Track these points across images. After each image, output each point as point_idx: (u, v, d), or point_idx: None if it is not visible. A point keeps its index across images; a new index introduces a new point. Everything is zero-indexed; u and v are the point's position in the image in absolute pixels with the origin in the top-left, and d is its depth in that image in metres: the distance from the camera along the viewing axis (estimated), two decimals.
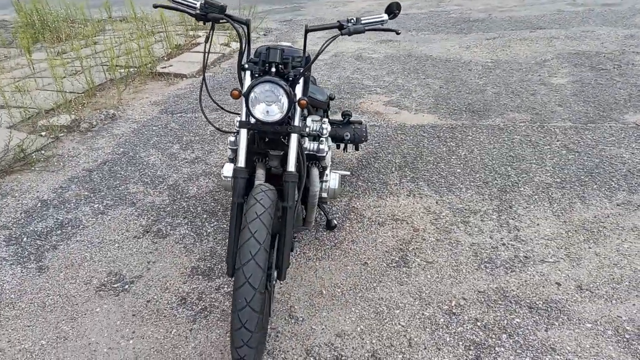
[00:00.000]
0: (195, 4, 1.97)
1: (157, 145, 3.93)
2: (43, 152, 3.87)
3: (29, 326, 2.17)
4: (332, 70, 5.63)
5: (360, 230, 2.71)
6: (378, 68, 5.65)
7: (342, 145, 3.26)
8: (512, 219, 2.74)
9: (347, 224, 2.77)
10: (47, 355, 2.01)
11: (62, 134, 4.21)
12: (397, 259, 2.48)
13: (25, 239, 2.79)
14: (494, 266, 2.39)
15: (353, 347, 1.98)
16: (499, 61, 5.58)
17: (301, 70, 1.94)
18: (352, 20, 1.94)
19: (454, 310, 2.14)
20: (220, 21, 1.95)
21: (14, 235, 2.82)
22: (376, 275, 2.37)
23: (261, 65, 1.92)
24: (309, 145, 2.24)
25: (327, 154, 2.28)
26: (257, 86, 1.80)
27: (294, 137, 1.93)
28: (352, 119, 3.25)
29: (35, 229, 2.88)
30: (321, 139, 2.30)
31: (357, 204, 2.97)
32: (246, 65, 1.95)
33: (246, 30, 2.01)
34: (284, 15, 9.39)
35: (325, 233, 2.70)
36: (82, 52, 6.44)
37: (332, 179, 2.45)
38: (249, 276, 1.57)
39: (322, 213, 2.77)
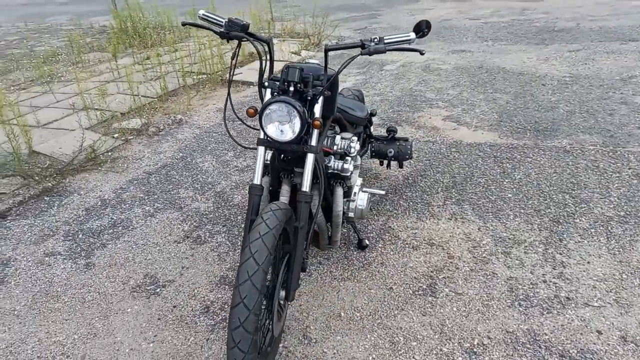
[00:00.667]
0: (221, 22, 2.02)
1: (213, 151, 4.08)
2: (111, 153, 4.17)
3: (66, 320, 2.33)
4: (397, 82, 5.54)
5: (391, 253, 2.63)
6: (444, 80, 5.47)
7: (385, 162, 3.20)
8: (560, 253, 2.53)
9: (380, 245, 2.70)
10: (76, 349, 2.16)
11: (131, 137, 4.50)
12: (424, 286, 2.38)
13: (80, 235, 3.01)
14: (529, 305, 2.22)
15: None
16: (578, 76, 5.18)
17: (320, 90, 1.92)
18: (375, 39, 1.89)
19: (475, 350, 2.02)
20: (243, 40, 1.98)
21: (72, 232, 3.06)
22: (399, 302, 2.29)
23: (281, 84, 1.92)
24: (334, 163, 2.22)
25: (352, 173, 2.24)
26: (270, 105, 1.82)
27: (309, 157, 1.92)
28: (397, 135, 3.18)
29: (91, 227, 3.10)
30: (347, 158, 2.26)
31: (394, 224, 2.88)
32: (266, 83, 1.97)
33: (267, 49, 2.03)
34: (360, 23, 9.38)
35: (355, 252, 2.66)
36: (163, 58, 6.85)
37: (360, 199, 2.40)
38: (244, 297, 1.58)
39: (354, 232, 2.72)
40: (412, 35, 1.90)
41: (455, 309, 2.23)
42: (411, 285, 2.39)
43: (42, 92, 5.95)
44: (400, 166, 3.28)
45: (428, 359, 1.99)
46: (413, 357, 2.00)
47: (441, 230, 2.80)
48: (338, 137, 2.33)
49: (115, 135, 4.50)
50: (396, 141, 3.16)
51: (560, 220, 2.79)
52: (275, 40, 8.22)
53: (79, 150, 4.09)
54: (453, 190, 3.20)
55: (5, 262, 2.79)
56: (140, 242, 2.91)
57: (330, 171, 2.23)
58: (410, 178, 3.40)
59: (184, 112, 5.08)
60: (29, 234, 3.06)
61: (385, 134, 3.19)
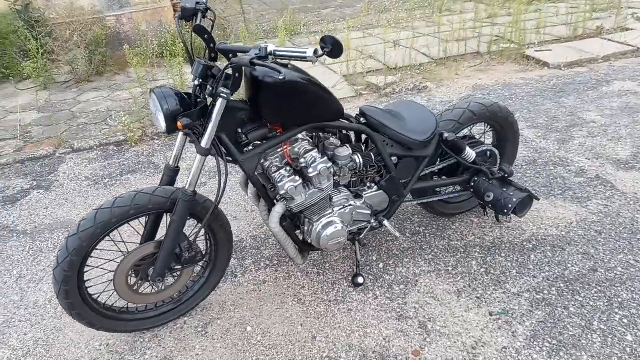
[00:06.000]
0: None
1: None
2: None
3: None
4: None
5: (372, 307, 2.12)
6: None
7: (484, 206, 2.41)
8: None
9: (376, 292, 2.20)
10: None
11: (365, 92, 4.69)
12: (332, 357, 1.90)
13: None
14: None
15: None
16: None
17: (216, 91, 1.71)
18: (262, 49, 1.53)
19: None
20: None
21: None
22: (295, 354, 1.94)
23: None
24: (277, 176, 1.93)
25: (289, 193, 1.90)
26: (151, 94, 1.77)
27: (197, 157, 1.81)
28: (513, 180, 2.32)
29: None
30: (293, 176, 1.91)
31: (424, 281, 2.24)
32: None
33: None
34: None
35: (345, 285, 2.27)
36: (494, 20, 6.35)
37: (323, 225, 2.02)
38: (58, 250, 1.78)
39: (356, 262, 2.30)
40: (309, 52, 1.47)
41: None
42: (329, 349, 1.94)
43: (368, 34, 6.63)
44: (497, 219, 2.37)
45: None
46: None
47: (461, 320, 2.01)
48: (313, 152, 1.96)
49: (357, 88, 4.77)
50: (506, 185, 2.29)
51: None
52: None
53: None
54: (559, 285, 2.13)
55: None
56: None
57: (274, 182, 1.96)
58: (531, 243, 2.42)
59: (440, 81, 4.81)
60: None
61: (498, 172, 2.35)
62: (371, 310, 2.11)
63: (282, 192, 1.90)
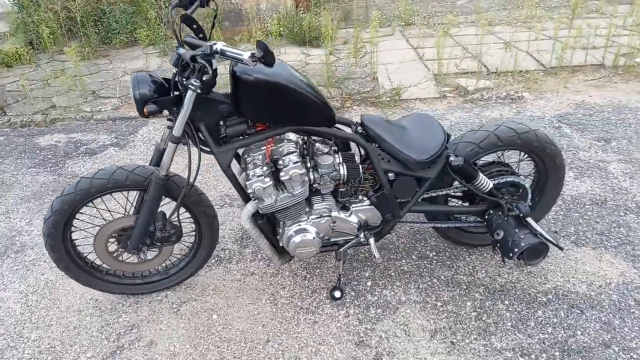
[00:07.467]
0: None
1: None
2: (411, 102, 4.29)
3: None
4: None
5: (337, 326, 2.02)
6: None
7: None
8: None
9: (349, 310, 2.09)
10: None
11: (451, 95, 4.38)
12: None
13: None
14: None
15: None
16: None
17: (187, 82, 1.69)
18: (208, 47, 1.50)
19: None
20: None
21: None
22: (244, 353, 1.93)
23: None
24: (250, 172, 1.89)
25: (256, 193, 1.85)
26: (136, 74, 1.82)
27: (169, 145, 1.84)
28: (528, 218, 2.04)
29: None
30: (263, 177, 1.85)
31: (406, 313, 2.06)
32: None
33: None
34: None
35: (322, 295, 2.19)
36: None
37: (294, 231, 1.96)
38: (47, 208, 1.96)
39: (339, 273, 2.19)
40: (245, 55, 1.44)
41: None
42: (275, 357, 1.90)
43: (486, 32, 6.15)
44: (503, 260, 2.06)
45: None
46: None
47: (416, 354, 1.83)
48: (292, 155, 1.88)
49: (443, 89, 4.47)
50: (520, 226, 2.00)
51: None
52: None
53: (390, 89, 4.42)
54: (553, 352, 1.82)
55: None
56: None
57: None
58: (547, 296, 2.09)
59: (542, 92, 4.31)
60: None
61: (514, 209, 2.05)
62: (335, 328, 2.01)
63: (249, 191, 1.87)
